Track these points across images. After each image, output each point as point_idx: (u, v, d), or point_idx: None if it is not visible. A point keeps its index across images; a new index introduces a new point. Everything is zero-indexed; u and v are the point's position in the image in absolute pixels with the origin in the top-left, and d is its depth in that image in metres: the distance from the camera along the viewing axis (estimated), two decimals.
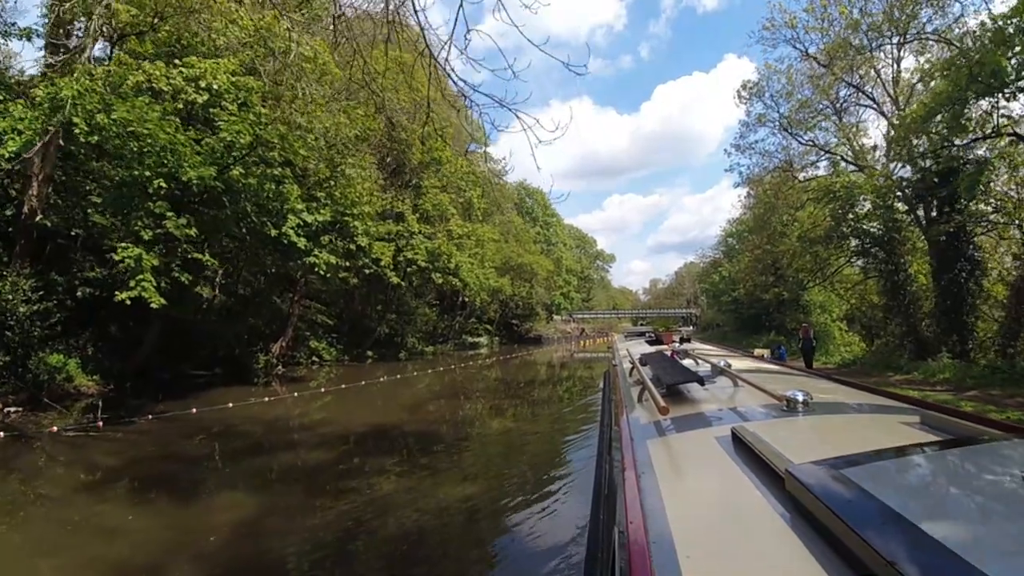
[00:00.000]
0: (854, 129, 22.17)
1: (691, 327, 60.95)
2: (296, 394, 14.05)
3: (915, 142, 14.20)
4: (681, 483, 1.59)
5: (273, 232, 13.32)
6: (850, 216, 16.04)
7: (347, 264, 14.97)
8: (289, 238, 13.94)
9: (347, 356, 26.54)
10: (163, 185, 10.51)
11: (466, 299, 37.27)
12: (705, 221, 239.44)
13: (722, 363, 3.43)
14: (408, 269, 24.61)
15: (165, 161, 11.01)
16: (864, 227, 15.02)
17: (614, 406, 3.31)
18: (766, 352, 15.11)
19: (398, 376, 18.64)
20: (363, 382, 16.39)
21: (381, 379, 17.38)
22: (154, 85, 11.99)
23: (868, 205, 16.74)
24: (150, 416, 11.93)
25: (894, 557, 0.85)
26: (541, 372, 25.43)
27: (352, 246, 14.88)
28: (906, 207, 15.89)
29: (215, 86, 12.00)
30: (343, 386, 15.73)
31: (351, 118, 15.10)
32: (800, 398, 2.16)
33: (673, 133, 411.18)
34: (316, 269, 14.34)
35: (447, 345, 35.87)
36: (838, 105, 21.72)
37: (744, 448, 1.62)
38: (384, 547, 5.21)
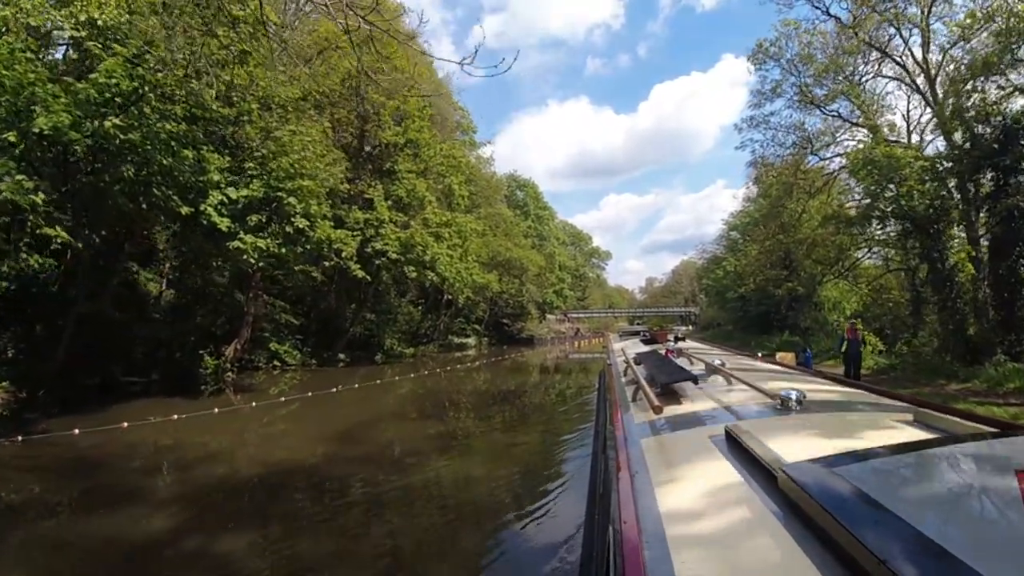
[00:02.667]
0: (876, 105, 20.04)
1: (689, 326, 58.94)
2: (217, 410, 11.40)
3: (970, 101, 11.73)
4: (675, 482, 1.56)
5: (184, 209, 10.70)
6: (888, 193, 13.58)
7: (283, 251, 12.32)
8: (209, 218, 11.35)
9: (315, 359, 24.07)
10: (11, 140, 7.91)
11: (451, 297, 34.72)
12: (701, 220, 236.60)
13: (716, 362, 3.43)
14: (377, 262, 21.98)
15: (24, 110, 8.45)
16: (906, 205, 12.57)
17: (609, 406, 3.17)
18: (790, 356, 12.75)
19: (356, 385, 15.97)
20: (310, 393, 13.71)
21: (335, 389, 14.70)
22: (23, 21, 9.45)
23: (899, 187, 14.41)
24: (20, 438, 9.55)
25: (887, 555, 0.83)
26: (533, 376, 22.85)
27: (289, 229, 12.26)
28: (952, 183, 13.39)
29: (100, 21, 9.43)
30: (283, 399, 13.06)
31: (293, 76, 12.56)
32: (794, 397, 2.10)
33: (670, 132, 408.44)
34: (244, 256, 11.75)
35: (431, 346, 33.63)
36: (856, 79, 19.63)
37: (738, 447, 1.58)
38: None
